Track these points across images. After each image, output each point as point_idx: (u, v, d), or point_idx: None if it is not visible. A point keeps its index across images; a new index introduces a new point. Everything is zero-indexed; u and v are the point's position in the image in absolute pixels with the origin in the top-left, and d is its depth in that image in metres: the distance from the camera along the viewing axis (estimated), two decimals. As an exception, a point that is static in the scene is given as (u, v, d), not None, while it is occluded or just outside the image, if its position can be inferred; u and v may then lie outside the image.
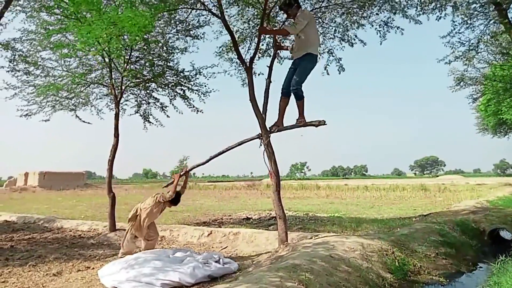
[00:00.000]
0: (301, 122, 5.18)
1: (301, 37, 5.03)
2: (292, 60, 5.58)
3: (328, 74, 7.07)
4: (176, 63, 8.26)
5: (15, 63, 7.33)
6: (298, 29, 4.95)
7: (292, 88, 5.04)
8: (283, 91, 5.27)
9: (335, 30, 6.92)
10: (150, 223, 5.47)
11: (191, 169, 5.85)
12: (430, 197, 17.60)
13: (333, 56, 7.06)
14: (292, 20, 5.26)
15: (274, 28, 6.20)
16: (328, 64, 7.05)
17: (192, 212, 12.21)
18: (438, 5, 6.95)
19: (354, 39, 6.88)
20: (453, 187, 23.08)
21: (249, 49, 7.26)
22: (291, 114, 5.32)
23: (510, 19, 7.74)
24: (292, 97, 5.19)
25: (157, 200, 5.35)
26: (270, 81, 5.82)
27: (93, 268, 5.05)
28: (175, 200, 5.45)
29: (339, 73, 7.09)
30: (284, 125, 5.42)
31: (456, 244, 5.86)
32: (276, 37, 5.94)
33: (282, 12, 5.68)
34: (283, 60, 7.20)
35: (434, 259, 5.10)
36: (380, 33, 6.53)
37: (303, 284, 3.30)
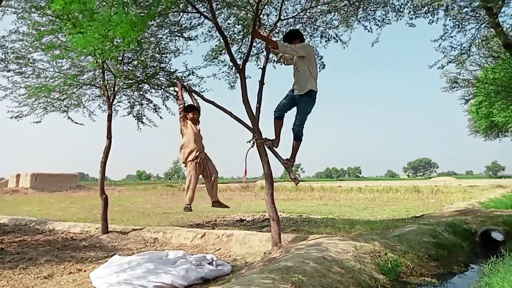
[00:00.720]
0: (287, 164, 5.20)
1: (299, 70, 5.00)
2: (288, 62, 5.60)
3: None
4: (169, 63, 8.21)
5: (6, 63, 7.25)
6: (290, 51, 4.92)
7: (294, 129, 5.03)
8: (277, 114, 5.23)
9: (316, 29, 6.89)
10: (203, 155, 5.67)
11: (191, 91, 6.17)
12: (423, 198, 17.72)
13: (318, 55, 7.00)
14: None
15: (267, 36, 6.21)
16: None
17: (186, 214, 12.11)
18: (430, 9, 7.01)
19: (346, 42, 6.87)
20: (446, 189, 23.26)
21: (238, 52, 7.25)
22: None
23: (501, 23, 7.81)
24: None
25: (180, 119, 5.64)
26: (263, 83, 5.82)
27: (85, 271, 4.99)
28: (190, 107, 5.67)
29: (319, 70, 7.11)
30: (276, 149, 5.41)
31: (448, 246, 5.90)
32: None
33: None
34: (273, 63, 7.20)
35: (426, 260, 5.13)
36: (366, 29, 6.47)
37: (295, 286, 3.29)
